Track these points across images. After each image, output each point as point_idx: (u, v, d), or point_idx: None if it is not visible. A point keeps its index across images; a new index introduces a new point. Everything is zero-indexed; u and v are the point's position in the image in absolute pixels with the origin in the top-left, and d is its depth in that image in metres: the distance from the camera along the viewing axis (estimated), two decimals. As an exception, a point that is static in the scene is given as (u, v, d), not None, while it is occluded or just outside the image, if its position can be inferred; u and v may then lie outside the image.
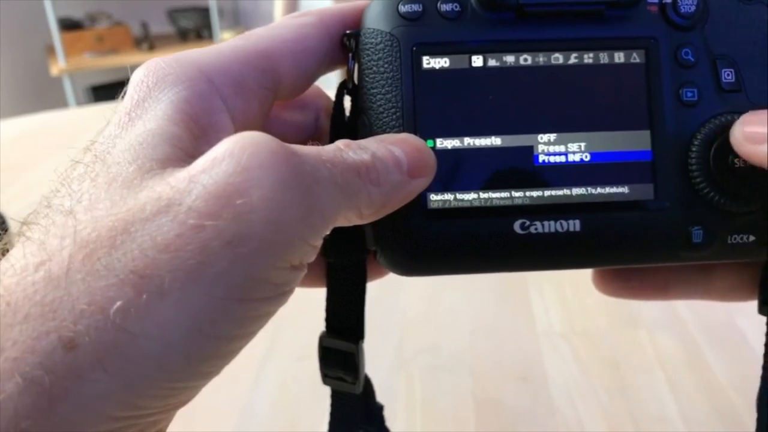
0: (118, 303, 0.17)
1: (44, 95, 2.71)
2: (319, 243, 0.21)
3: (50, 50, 2.61)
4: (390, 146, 0.23)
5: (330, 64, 0.26)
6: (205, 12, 2.67)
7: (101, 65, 2.58)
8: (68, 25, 2.59)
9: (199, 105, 0.22)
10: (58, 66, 2.52)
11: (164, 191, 0.18)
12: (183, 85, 0.22)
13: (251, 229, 0.18)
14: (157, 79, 0.22)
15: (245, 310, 0.19)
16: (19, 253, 0.18)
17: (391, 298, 0.55)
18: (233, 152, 0.19)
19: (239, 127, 0.23)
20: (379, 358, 0.48)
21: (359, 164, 0.21)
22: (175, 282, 0.17)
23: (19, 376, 0.16)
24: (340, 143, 0.22)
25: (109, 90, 2.59)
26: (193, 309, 0.18)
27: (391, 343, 0.50)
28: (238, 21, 2.95)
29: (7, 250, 0.19)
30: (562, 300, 0.54)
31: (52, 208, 0.19)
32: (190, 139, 0.21)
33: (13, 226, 0.21)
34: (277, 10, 1.68)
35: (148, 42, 2.65)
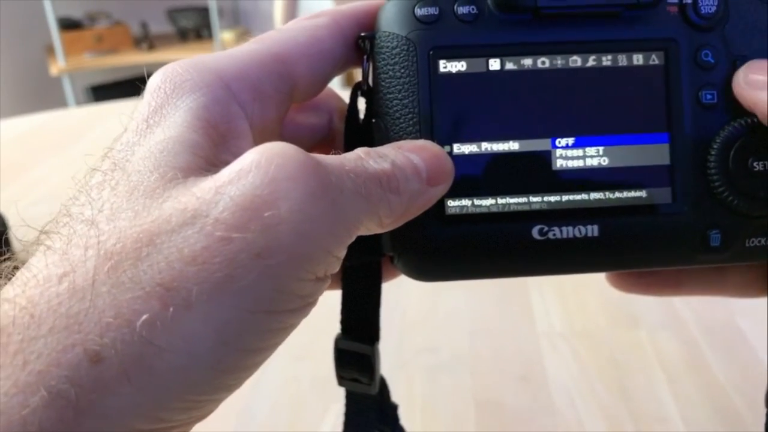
0: (145, 316, 0.17)
1: (44, 95, 2.70)
2: (343, 254, 0.20)
3: (50, 50, 2.61)
4: (408, 153, 0.22)
5: (345, 65, 0.26)
6: (204, 12, 2.67)
7: (101, 65, 2.58)
8: (68, 25, 2.59)
9: (218, 111, 0.21)
10: (58, 66, 2.51)
11: (190, 202, 0.18)
12: (201, 91, 0.21)
13: (280, 242, 0.18)
14: (174, 85, 0.21)
15: (271, 323, 0.19)
16: (41, 263, 0.18)
17: (391, 298, 0.55)
18: (260, 163, 0.19)
19: (257, 133, 0.23)
20: (379, 358, 0.48)
21: (380, 173, 0.21)
22: (202, 295, 0.17)
23: (44, 389, 0.16)
24: (360, 152, 0.22)
25: (108, 90, 2.59)
26: (219, 322, 0.18)
27: (391, 343, 0.50)
28: (237, 21, 2.95)
29: (17, 268, 0.19)
30: (562, 300, 0.54)
31: (72, 217, 0.19)
32: (210, 146, 0.21)
33: (15, 228, 0.21)
34: (277, 10, 1.68)
35: (147, 42, 2.65)
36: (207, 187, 0.19)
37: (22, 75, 2.74)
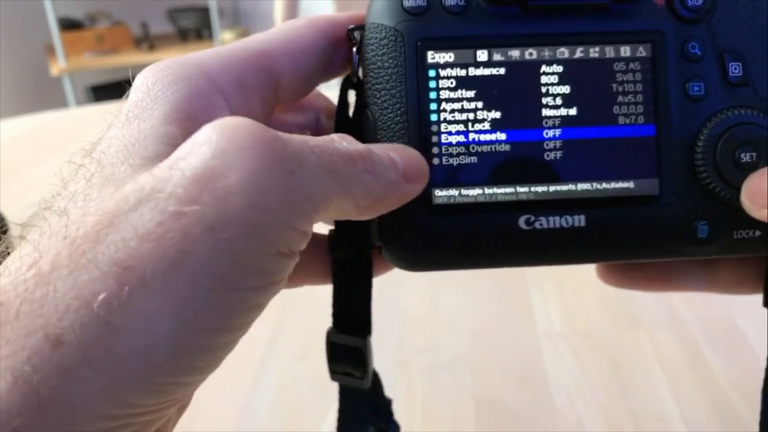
0: (102, 296, 0.17)
1: (44, 95, 2.70)
2: (307, 228, 0.20)
3: (50, 50, 2.61)
4: (385, 148, 0.23)
5: (328, 65, 0.26)
6: (205, 12, 2.67)
7: (101, 65, 2.58)
8: (68, 25, 2.59)
9: (199, 102, 0.21)
10: (58, 66, 2.51)
11: (147, 181, 0.18)
12: (183, 83, 0.22)
13: (232, 213, 0.18)
14: (156, 79, 0.22)
15: (232, 301, 0.18)
16: (16, 255, 0.18)
17: (392, 298, 0.55)
18: (211, 136, 0.19)
19: None
20: (379, 358, 0.48)
21: (354, 153, 0.21)
22: (157, 272, 0.17)
23: (9, 374, 0.16)
24: (335, 135, 0.22)
25: (109, 90, 2.59)
26: (176, 300, 0.17)
27: (391, 343, 0.50)
28: (238, 21, 2.95)
29: (8, 253, 0.19)
30: (563, 300, 0.54)
31: (51, 210, 0.19)
32: (185, 136, 0.20)
33: (14, 228, 0.21)
34: (277, 10, 1.68)
35: (148, 42, 2.65)
36: (163, 165, 0.19)
37: (22, 75, 2.74)
